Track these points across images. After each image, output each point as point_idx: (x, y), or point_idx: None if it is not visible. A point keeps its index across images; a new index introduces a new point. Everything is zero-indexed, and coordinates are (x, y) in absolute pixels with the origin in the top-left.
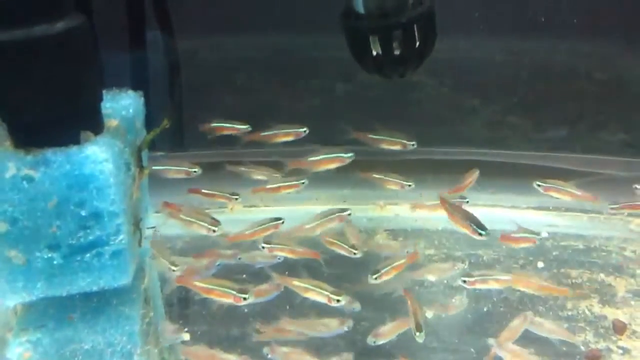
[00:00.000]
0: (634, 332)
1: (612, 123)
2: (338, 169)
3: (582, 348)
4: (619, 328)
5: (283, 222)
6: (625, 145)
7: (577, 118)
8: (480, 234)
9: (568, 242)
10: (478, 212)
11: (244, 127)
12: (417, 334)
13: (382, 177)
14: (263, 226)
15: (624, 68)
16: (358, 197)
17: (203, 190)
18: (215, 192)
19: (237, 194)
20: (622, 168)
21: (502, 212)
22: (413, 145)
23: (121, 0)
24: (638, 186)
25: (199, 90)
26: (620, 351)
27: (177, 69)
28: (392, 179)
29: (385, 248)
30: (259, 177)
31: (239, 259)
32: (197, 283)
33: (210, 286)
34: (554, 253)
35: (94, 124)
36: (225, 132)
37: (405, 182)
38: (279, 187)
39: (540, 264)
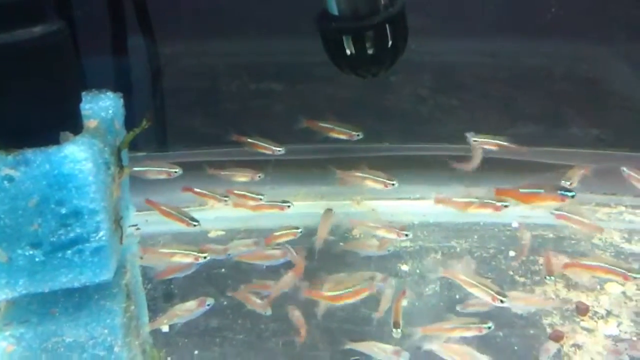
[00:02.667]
0: (596, 313)
1: (584, 119)
2: (316, 166)
3: (549, 330)
4: (582, 310)
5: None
6: (596, 139)
7: (552, 115)
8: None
9: (539, 232)
10: None
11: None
12: (394, 330)
13: (364, 175)
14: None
15: (598, 68)
16: (336, 193)
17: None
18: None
19: (227, 196)
20: (592, 160)
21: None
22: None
23: (103, 6)
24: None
25: (181, 93)
26: (585, 332)
27: (158, 73)
28: (376, 177)
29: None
30: (241, 179)
31: (229, 255)
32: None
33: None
34: (524, 242)
35: (73, 124)
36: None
37: (388, 181)
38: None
39: (512, 253)
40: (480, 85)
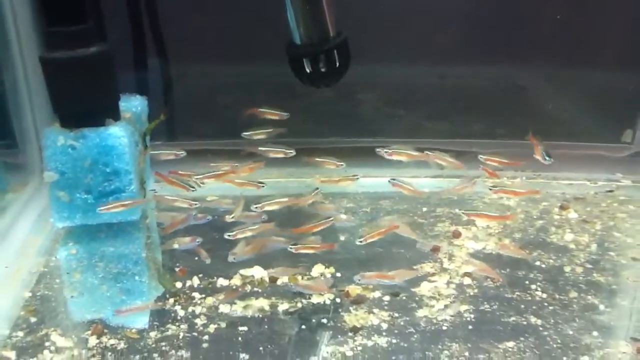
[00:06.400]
0: (466, 236)
1: (498, 120)
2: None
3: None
4: (456, 234)
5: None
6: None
7: (475, 119)
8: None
9: (446, 196)
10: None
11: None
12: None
13: (322, 160)
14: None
15: (522, 85)
16: (300, 173)
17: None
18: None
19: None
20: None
21: (408, 179)
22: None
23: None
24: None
25: (187, 101)
26: (457, 249)
27: (170, 84)
28: (329, 160)
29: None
30: (225, 168)
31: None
32: None
33: None
34: (433, 201)
35: (114, 114)
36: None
37: (338, 162)
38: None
39: (425, 209)
40: (425, 99)
